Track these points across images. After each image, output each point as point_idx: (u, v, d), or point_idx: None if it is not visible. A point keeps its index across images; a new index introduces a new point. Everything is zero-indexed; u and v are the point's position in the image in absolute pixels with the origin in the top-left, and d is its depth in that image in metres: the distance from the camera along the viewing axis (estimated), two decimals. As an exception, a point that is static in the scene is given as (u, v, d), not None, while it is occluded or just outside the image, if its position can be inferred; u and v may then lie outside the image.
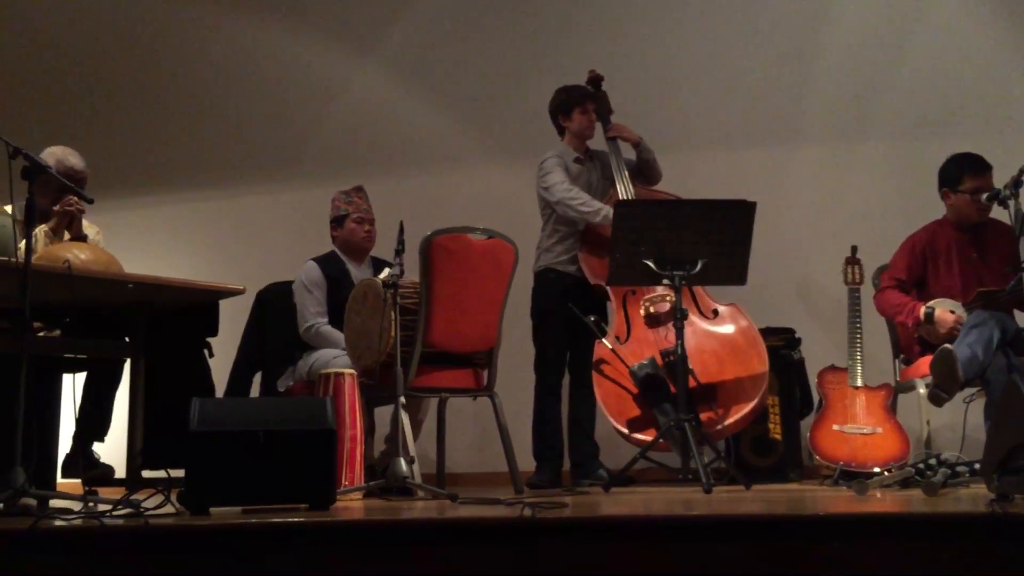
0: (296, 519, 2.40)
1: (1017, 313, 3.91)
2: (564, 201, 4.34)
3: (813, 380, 4.40)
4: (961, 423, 3.88)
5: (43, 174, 2.84)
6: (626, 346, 4.16)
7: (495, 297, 3.97)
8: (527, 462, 4.31)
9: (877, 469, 3.86)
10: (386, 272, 3.58)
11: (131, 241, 5.15)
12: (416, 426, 4.13)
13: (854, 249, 4.44)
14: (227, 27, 5.89)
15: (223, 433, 2.72)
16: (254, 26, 5.87)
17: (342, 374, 3.57)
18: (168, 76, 5.89)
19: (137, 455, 3.57)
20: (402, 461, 3.27)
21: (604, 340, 4.13)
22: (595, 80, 4.68)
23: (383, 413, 4.21)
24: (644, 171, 4.58)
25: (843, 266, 4.40)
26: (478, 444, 5.09)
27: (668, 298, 4.21)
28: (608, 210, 4.20)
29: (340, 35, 5.80)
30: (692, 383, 3.84)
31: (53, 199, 3.78)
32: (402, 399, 3.47)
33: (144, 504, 2.54)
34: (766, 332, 4.35)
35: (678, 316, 3.74)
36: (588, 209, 4.29)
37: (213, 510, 2.66)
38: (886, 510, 2.62)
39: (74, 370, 3.79)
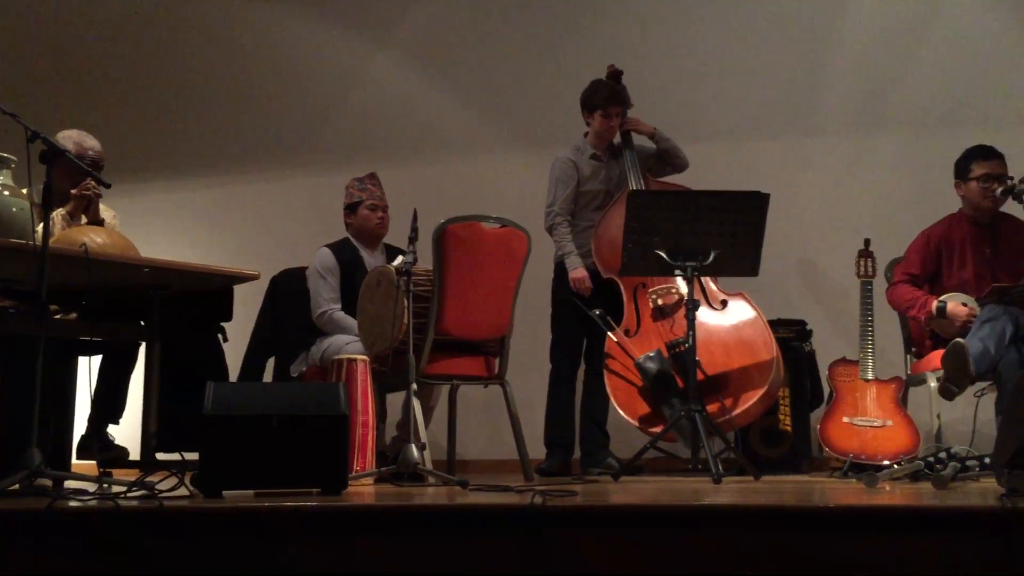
0: (308, 503, 2.42)
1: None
2: (550, 225, 4.43)
3: (824, 372, 4.40)
4: (972, 417, 3.87)
5: (61, 158, 2.86)
6: (635, 339, 4.17)
7: (507, 285, 3.98)
8: (537, 450, 4.33)
9: (887, 462, 3.87)
10: (399, 259, 3.59)
11: (147, 225, 5.18)
12: (427, 413, 4.15)
13: (867, 242, 4.43)
14: (244, 14, 5.91)
15: (237, 417, 2.74)
16: (271, 13, 5.88)
17: (355, 360, 3.59)
18: (185, 62, 5.91)
19: (152, 438, 3.59)
20: (413, 447, 3.29)
21: (611, 334, 4.14)
22: (614, 74, 4.67)
23: (395, 399, 4.24)
24: (667, 159, 4.56)
25: (856, 259, 4.39)
26: (489, 431, 5.11)
27: (675, 289, 4.22)
28: (571, 260, 4.31)
29: (357, 22, 5.80)
30: (700, 376, 3.84)
31: (71, 183, 3.80)
32: (414, 386, 3.49)
33: (158, 486, 2.56)
34: (777, 324, 4.36)
35: (690, 307, 3.75)
36: (560, 246, 4.39)
37: (226, 493, 2.68)
38: (895, 503, 2.63)
39: (90, 353, 3.82)
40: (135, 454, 3.89)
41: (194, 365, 3.73)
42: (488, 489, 2.96)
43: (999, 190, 3.77)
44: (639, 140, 4.58)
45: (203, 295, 3.81)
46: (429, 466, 3.45)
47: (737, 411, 3.96)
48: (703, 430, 3.62)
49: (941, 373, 3.73)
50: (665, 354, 4.05)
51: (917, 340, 4.30)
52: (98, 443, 3.91)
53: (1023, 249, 3.76)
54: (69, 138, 3.91)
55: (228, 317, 3.90)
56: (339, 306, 4.19)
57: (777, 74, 5.33)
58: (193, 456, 2.90)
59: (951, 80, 5.16)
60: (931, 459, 3.15)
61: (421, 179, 5.34)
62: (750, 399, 3.97)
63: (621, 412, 4.07)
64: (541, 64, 5.43)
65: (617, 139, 4.58)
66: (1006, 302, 3.80)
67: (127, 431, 4.11)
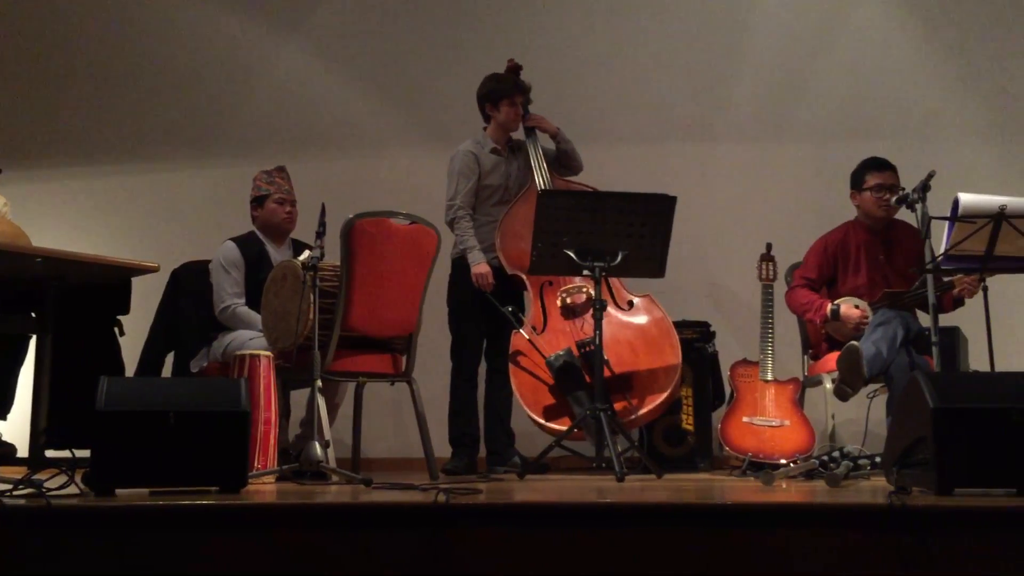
0: (205, 502, 2.37)
1: (920, 313, 4.05)
2: (451, 219, 4.40)
3: (726, 373, 4.49)
4: (864, 418, 4.01)
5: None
6: (542, 336, 4.19)
7: (416, 282, 3.96)
8: (443, 448, 4.31)
9: (783, 461, 3.97)
10: (306, 254, 3.54)
11: (42, 214, 4.99)
12: (332, 410, 4.10)
13: (768, 246, 4.54)
14: (149, -1, 5.74)
15: (131, 413, 2.67)
16: (177, -2, 5.73)
17: (258, 356, 3.53)
18: (86, 46, 5.70)
19: (41, 434, 3.46)
20: (317, 445, 3.25)
21: (521, 330, 4.15)
22: (514, 69, 4.68)
23: (299, 396, 4.17)
24: (564, 161, 4.61)
25: (758, 263, 4.50)
26: (394, 429, 5.07)
27: (585, 289, 4.25)
28: (474, 255, 4.29)
29: (266, 12, 5.69)
30: (607, 373, 3.88)
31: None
32: (319, 382, 3.45)
33: (47, 484, 2.47)
34: (681, 325, 4.43)
35: (597, 307, 3.78)
36: (462, 241, 4.35)
37: (119, 492, 2.61)
38: (790, 500, 2.70)
39: (-25, 345, 3.66)
40: (23, 451, 3.74)
41: (87, 359, 3.61)
42: (392, 487, 2.93)
43: (892, 199, 3.91)
44: (541, 139, 4.61)
45: (99, 287, 3.69)
46: (333, 464, 3.41)
47: (643, 410, 4.01)
48: (608, 429, 3.66)
49: (836, 375, 3.85)
50: (576, 352, 4.08)
51: (814, 343, 4.43)
52: (-17, 440, 3.74)
53: (915, 256, 3.90)
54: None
55: (125, 310, 3.78)
56: (243, 301, 4.10)
57: (683, 79, 5.42)
58: (85, 453, 2.80)
59: (853, 92, 5.33)
60: (825, 458, 3.25)
61: (330, 173, 5.27)
62: (656, 399, 4.03)
63: (527, 410, 4.08)
64: (452, 59, 5.42)
65: (519, 135, 4.59)
66: (898, 307, 3.94)
67: (15, 427, 3.96)
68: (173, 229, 5.40)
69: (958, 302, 4.01)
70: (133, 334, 4.00)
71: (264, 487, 3.20)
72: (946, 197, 3.53)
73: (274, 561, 2.21)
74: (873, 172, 4.20)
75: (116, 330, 3.83)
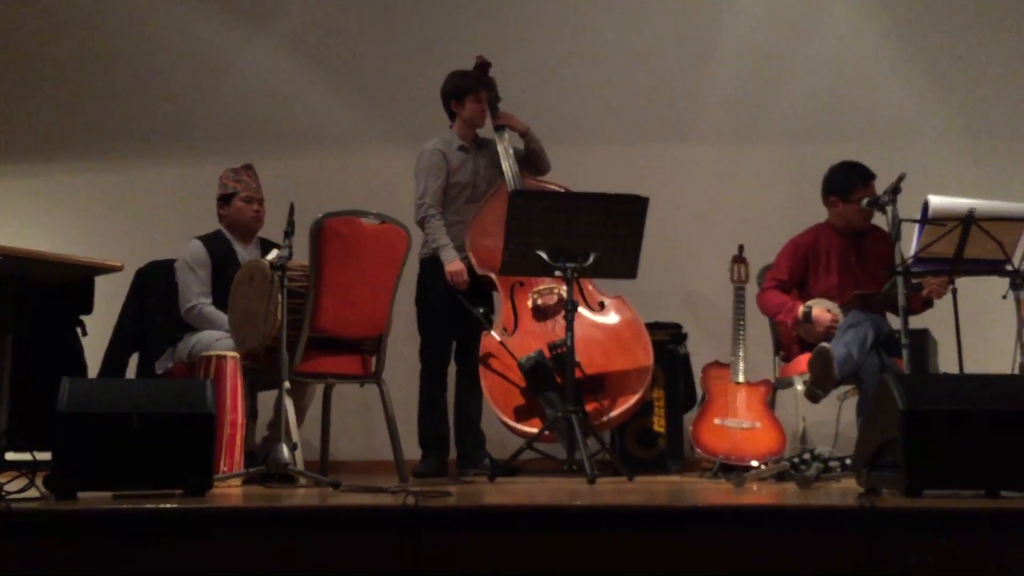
0: (169, 505, 2.33)
1: (890, 315, 4.07)
2: (422, 217, 4.37)
3: (698, 375, 4.49)
4: (835, 420, 4.02)
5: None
6: (513, 338, 4.17)
7: (386, 282, 3.93)
8: (414, 451, 4.28)
9: (755, 463, 3.97)
10: (274, 253, 3.51)
11: (1, 212, 4.89)
12: (300, 412, 4.05)
13: (740, 248, 4.54)
14: (114, -8, 5.65)
15: (94, 415, 2.63)
16: (141, -6, 5.65)
17: (224, 357, 3.50)
18: (47, 39, 5.60)
19: (1, 436, 3.40)
20: (284, 447, 3.22)
21: (492, 332, 4.13)
22: (483, 66, 4.65)
23: (267, 398, 4.11)
24: (532, 161, 4.59)
25: (729, 264, 4.50)
26: (364, 431, 5.03)
27: (556, 290, 4.24)
28: (447, 252, 4.26)
29: (234, 7, 5.63)
30: (578, 375, 3.87)
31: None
32: (287, 384, 3.41)
33: (7, 488, 2.44)
34: (653, 327, 4.43)
35: (569, 308, 3.76)
36: (433, 239, 4.32)
37: (82, 495, 2.57)
38: (761, 502, 2.70)
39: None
40: (-17, 454, 3.67)
41: (49, 360, 3.55)
42: (360, 490, 2.91)
43: (865, 202, 3.92)
44: (510, 138, 4.58)
45: (61, 286, 3.63)
46: (301, 467, 3.37)
47: (615, 412, 4.00)
48: (579, 431, 3.64)
49: (807, 376, 3.86)
50: (547, 354, 4.06)
51: (785, 344, 4.44)
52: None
53: (885, 259, 3.92)
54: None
55: (88, 310, 3.73)
56: (209, 300, 4.05)
57: (656, 81, 5.42)
58: (46, 456, 2.75)
59: (825, 95, 5.36)
60: (796, 460, 3.25)
61: (299, 172, 5.21)
62: (627, 401, 4.02)
63: (498, 412, 4.06)
64: (423, 57, 5.37)
65: (486, 132, 4.57)
66: (868, 309, 3.96)
67: (-26, 429, 3.87)
68: (138, 227, 5.32)
69: (927, 303, 4.04)
70: (96, 334, 3.95)
71: (230, 490, 3.16)
72: (917, 199, 3.55)
73: (240, 566, 2.19)
74: (862, 187, 4.10)
75: (79, 330, 3.77)
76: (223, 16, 5.61)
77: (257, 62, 5.59)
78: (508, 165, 4.47)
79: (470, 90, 4.46)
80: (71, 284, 3.64)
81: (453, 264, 4.27)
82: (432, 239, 4.36)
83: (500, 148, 4.52)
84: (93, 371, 4.06)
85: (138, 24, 5.61)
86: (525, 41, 5.42)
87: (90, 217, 5.45)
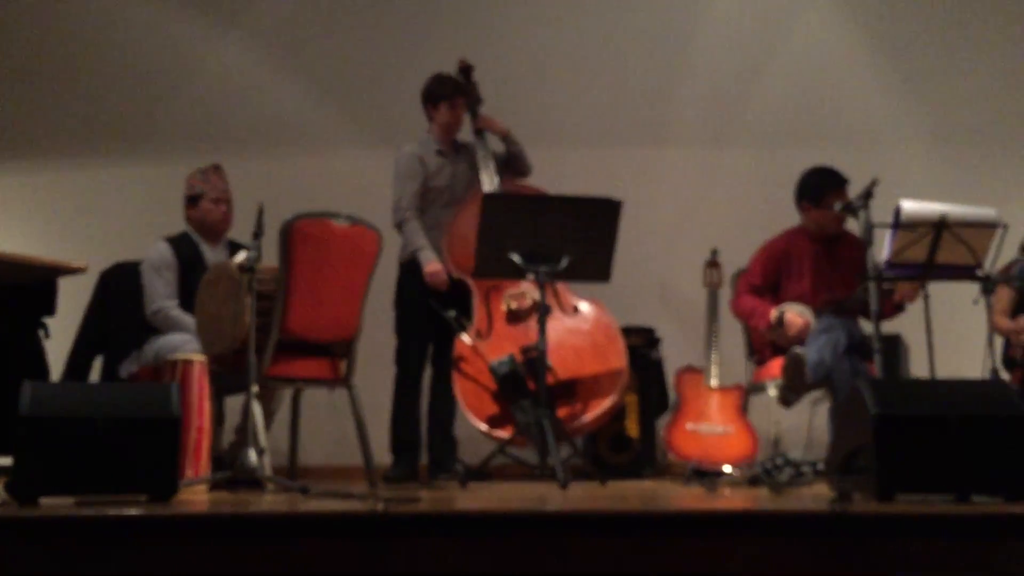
0: (133, 511, 2.28)
1: (862, 320, 4.08)
2: (400, 220, 4.33)
3: (671, 379, 4.49)
4: (807, 424, 4.03)
5: None
6: (487, 342, 4.14)
7: (356, 285, 3.89)
8: (384, 456, 4.24)
9: (727, 468, 3.97)
10: (242, 255, 3.46)
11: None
12: (269, 416, 4.01)
13: (714, 252, 4.55)
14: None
15: (57, 419, 2.60)
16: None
17: (191, 360, 3.45)
18: (9, 37, 5.51)
19: (-40, 441, 3.34)
20: (252, 452, 3.17)
21: (464, 336, 4.10)
22: (465, 69, 4.63)
23: (234, 402, 4.07)
24: (513, 164, 4.57)
25: (703, 268, 4.50)
26: (334, 436, 4.97)
27: (529, 294, 4.22)
28: (426, 254, 4.23)
29: (202, 5, 5.56)
30: (551, 379, 3.85)
31: None
32: (255, 388, 3.36)
33: (-36, 494, 2.38)
34: (627, 331, 4.42)
35: (541, 312, 3.74)
36: (411, 242, 4.29)
37: (43, 500, 2.54)
38: (733, 507, 2.69)
39: None
40: (-59, 459, 3.59)
41: (10, 363, 3.50)
42: (329, 496, 2.88)
43: (837, 206, 3.92)
44: (491, 141, 4.56)
45: (23, 288, 3.57)
46: (269, 472, 3.33)
47: (588, 416, 3.98)
48: (551, 436, 3.62)
49: (780, 381, 3.86)
50: (520, 358, 4.03)
51: (758, 349, 4.44)
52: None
53: (858, 264, 3.93)
54: None
55: (50, 312, 3.67)
56: (175, 303, 3.99)
57: (631, 84, 5.43)
58: (7, 461, 2.70)
59: (799, 98, 5.39)
60: (768, 465, 3.25)
61: (268, 173, 5.15)
62: (600, 405, 4.00)
63: (471, 416, 4.03)
64: (395, 60, 5.35)
65: (466, 137, 4.54)
66: (840, 313, 3.97)
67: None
68: (103, 228, 5.23)
69: (899, 308, 4.05)
70: (59, 337, 3.88)
71: (196, 496, 3.12)
72: (889, 204, 3.56)
73: (205, 573, 2.14)
74: (835, 193, 4.09)
75: (41, 332, 3.71)
76: (191, 12, 5.55)
77: (227, 59, 5.53)
78: (486, 169, 4.44)
79: (445, 97, 4.42)
80: (33, 286, 3.59)
81: (431, 265, 4.24)
82: (410, 242, 4.33)
83: (479, 152, 4.49)
84: (56, 374, 4.01)
85: (102, 19, 5.52)
86: (501, 44, 5.40)
87: (53, 217, 5.35)
